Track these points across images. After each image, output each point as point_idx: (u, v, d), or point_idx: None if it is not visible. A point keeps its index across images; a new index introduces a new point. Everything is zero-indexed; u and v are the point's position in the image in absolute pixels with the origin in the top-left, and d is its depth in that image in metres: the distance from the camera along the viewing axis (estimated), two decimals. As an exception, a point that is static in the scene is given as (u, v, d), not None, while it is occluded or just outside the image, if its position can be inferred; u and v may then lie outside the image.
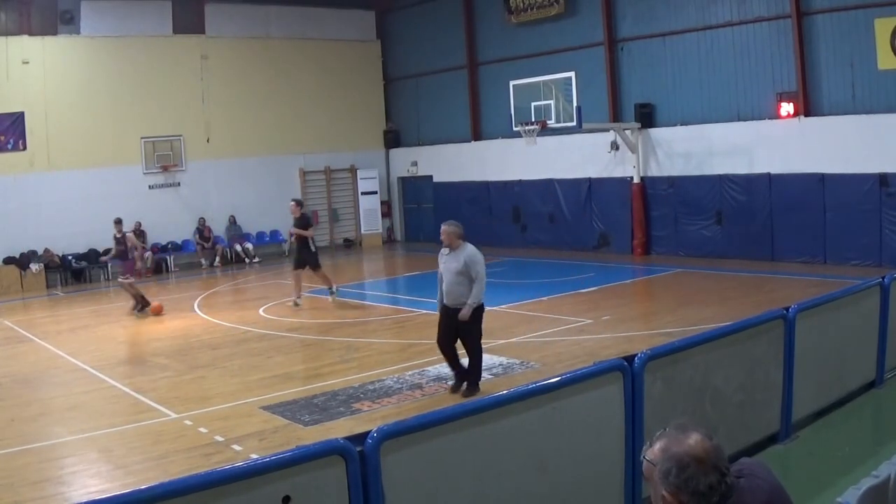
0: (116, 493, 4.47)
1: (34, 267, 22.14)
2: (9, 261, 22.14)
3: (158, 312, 16.60)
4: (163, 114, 24.40)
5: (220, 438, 8.61)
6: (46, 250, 22.48)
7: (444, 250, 9.49)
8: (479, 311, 9.41)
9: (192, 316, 16.65)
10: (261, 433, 8.69)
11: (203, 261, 24.86)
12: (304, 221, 16.61)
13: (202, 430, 8.97)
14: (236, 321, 15.59)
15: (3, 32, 22.28)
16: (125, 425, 9.38)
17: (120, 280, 17.45)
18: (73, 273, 22.95)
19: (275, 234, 26.00)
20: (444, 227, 9.53)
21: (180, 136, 24.86)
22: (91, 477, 7.87)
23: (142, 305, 16.78)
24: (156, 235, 24.36)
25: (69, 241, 22.80)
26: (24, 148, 22.55)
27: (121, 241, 16.98)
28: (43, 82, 22.73)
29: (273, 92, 26.43)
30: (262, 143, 26.18)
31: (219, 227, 25.39)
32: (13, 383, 11.72)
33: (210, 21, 25.56)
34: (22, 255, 22.30)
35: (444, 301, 9.46)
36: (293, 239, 17.23)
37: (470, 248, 9.35)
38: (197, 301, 18.46)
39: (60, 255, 22.78)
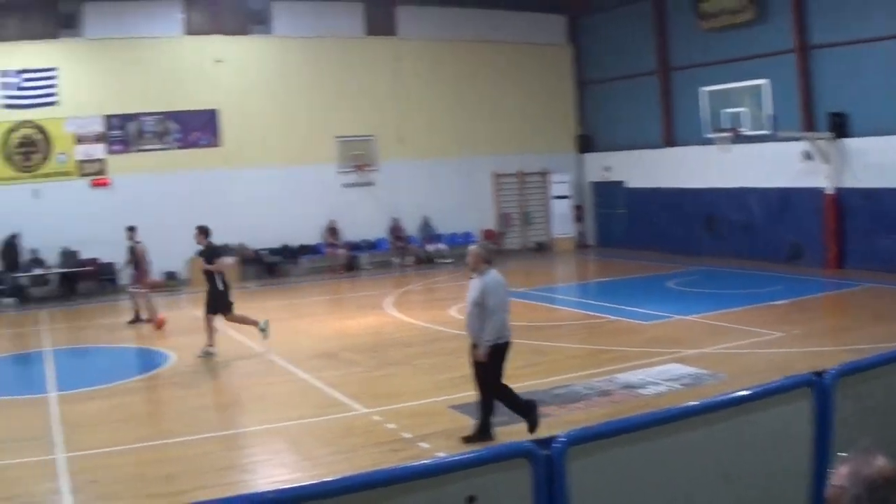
0: (302, 483, 4.57)
1: (228, 260, 23.35)
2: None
3: (160, 327, 16.40)
4: (356, 114, 25.23)
5: (407, 435, 8.76)
6: (241, 244, 23.64)
7: (472, 275, 8.59)
8: (497, 351, 8.28)
9: (384, 314, 17.06)
10: (448, 432, 8.75)
11: (395, 260, 25.40)
12: (210, 253, 14.05)
13: (390, 426, 9.13)
14: (428, 320, 15.88)
15: (197, 32, 23.76)
16: (314, 418, 9.70)
17: (130, 290, 17.74)
18: (266, 267, 23.98)
19: (467, 235, 26.27)
20: (469, 249, 8.74)
21: (373, 136, 25.56)
22: (276, 467, 8.18)
23: (135, 319, 17.10)
24: (350, 233, 25.12)
25: (263, 236, 23.95)
26: (218, 144, 23.88)
27: (132, 250, 17.40)
28: (236, 81, 24.02)
29: (464, 94, 26.82)
30: (453, 145, 26.58)
31: (411, 227, 25.90)
32: (205, 372, 12.36)
33: (402, 23, 26.16)
34: (217, 248, 23.53)
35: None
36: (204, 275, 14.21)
37: (490, 276, 8.34)
38: (389, 299, 18.89)
39: (255, 249, 23.83)
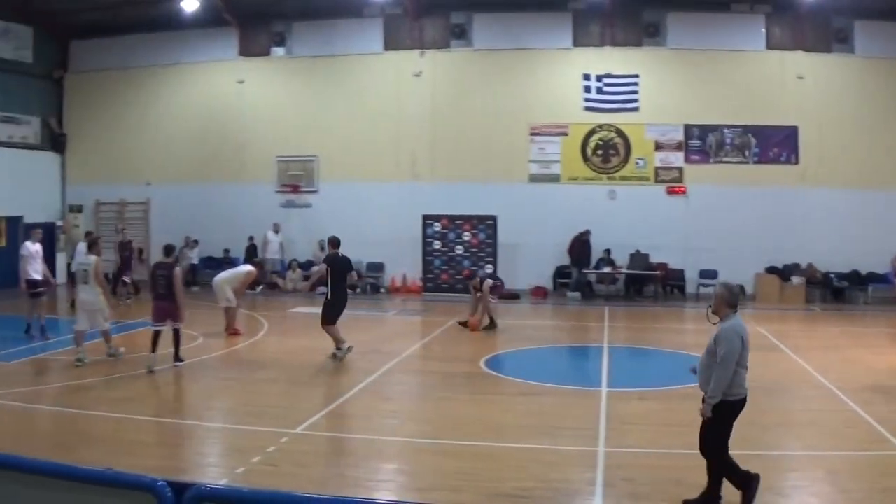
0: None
1: (795, 280, 23.13)
2: (771, 270, 23.71)
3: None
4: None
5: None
6: (809, 265, 23.43)
7: (714, 319, 7.75)
8: (721, 409, 7.42)
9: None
10: None
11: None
12: (331, 262, 15.16)
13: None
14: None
15: (779, 47, 23.99)
16: (855, 451, 9.39)
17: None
18: (833, 291, 23.58)
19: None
20: (715, 290, 7.94)
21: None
22: (811, 496, 8.03)
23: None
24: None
25: (833, 259, 23.49)
26: (797, 162, 23.92)
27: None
28: (816, 98, 23.84)
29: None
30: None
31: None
32: (758, 389, 12.11)
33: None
34: (785, 266, 23.61)
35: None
36: None
37: (730, 322, 7.47)
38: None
39: (823, 272, 23.45)
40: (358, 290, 23.91)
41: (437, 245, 24.58)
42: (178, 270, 14.04)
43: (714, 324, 7.64)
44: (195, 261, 25.76)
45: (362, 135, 25.56)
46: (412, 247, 24.51)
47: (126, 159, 28.01)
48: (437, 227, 24.64)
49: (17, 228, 27.07)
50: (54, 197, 28.88)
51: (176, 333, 13.77)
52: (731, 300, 7.59)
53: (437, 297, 23.78)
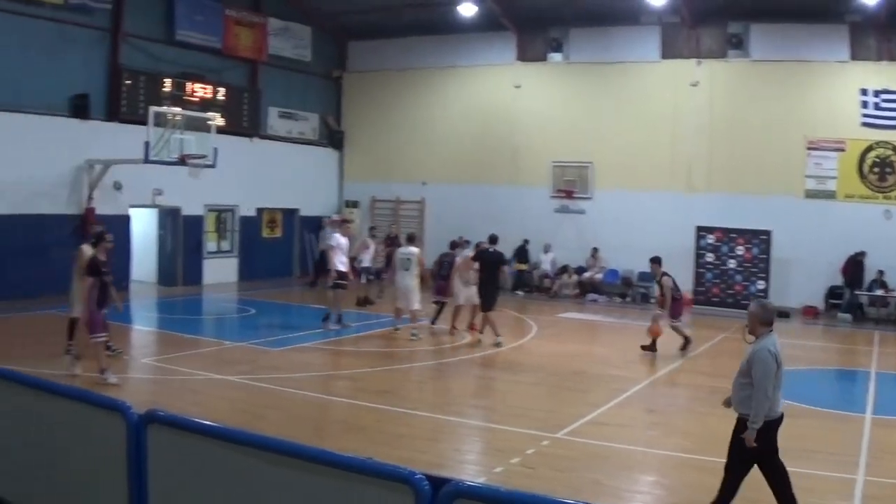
0: None
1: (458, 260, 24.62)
2: None
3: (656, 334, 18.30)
4: None
5: None
6: None
7: (749, 338, 8.36)
8: (764, 433, 7.99)
9: None
10: None
11: None
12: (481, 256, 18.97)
13: None
14: None
15: None
16: None
17: (671, 324, 18.60)
18: None
19: None
20: (749, 309, 8.49)
21: None
22: None
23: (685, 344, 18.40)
24: None
25: None
26: None
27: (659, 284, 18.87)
28: None
29: None
30: None
31: None
32: None
33: None
34: None
35: None
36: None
37: (764, 342, 8.05)
38: None
39: None
40: (628, 299, 26.93)
41: (709, 257, 27.08)
42: (457, 259, 19.51)
43: (750, 343, 8.20)
44: (469, 261, 29.13)
45: (637, 143, 28.29)
46: (684, 258, 26.65)
47: (401, 158, 32.47)
48: (711, 239, 27.11)
49: (292, 221, 31.61)
50: (331, 192, 33.75)
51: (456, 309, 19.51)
52: (765, 318, 8.12)
53: (707, 311, 26.14)
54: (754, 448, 7.88)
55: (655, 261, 18.84)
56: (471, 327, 19.41)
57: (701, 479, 9.31)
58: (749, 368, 7.95)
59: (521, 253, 29.51)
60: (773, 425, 7.97)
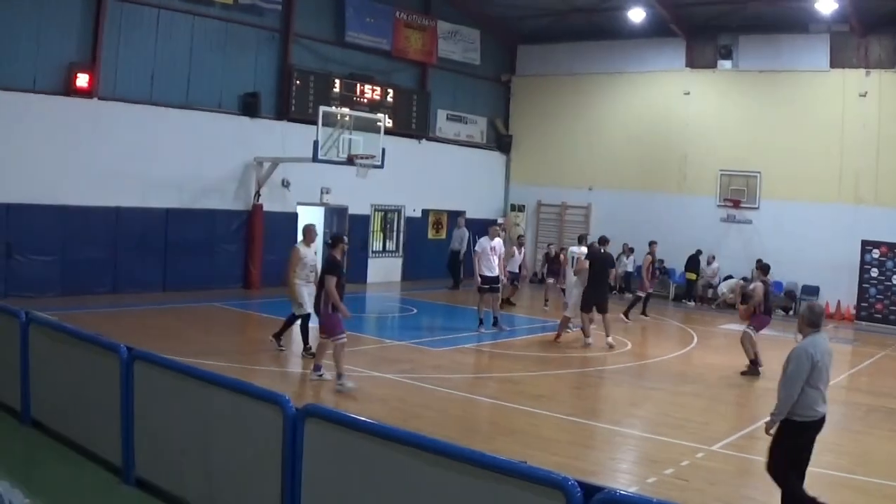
0: None
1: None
2: None
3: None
4: None
5: None
6: None
7: (798, 337, 8.96)
8: (788, 428, 8.49)
9: None
10: None
11: None
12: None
13: None
14: None
15: None
16: None
17: (746, 329, 18.01)
18: None
19: None
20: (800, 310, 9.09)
21: None
22: None
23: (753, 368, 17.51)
24: None
25: None
26: None
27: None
28: None
29: None
30: None
31: None
32: None
33: None
34: None
35: None
36: None
37: (804, 342, 8.61)
38: None
39: None
40: (791, 313, 27.63)
41: (874, 273, 27.43)
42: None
43: (797, 342, 8.81)
44: (630, 268, 30.06)
45: (805, 153, 28.85)
46: (849, 273, 27.38)
47: (568, 163, 34.14)
48: (876, 253, 27.47)
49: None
50: (497, 195, 35.70)
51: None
52: (811, 319, 8.70)
53: (869, 328, 26.50)
54: (789, 448, 8.46)
55: (760, 267, 19.03)
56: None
57: (854, 499, 9.74)
58: (786, 365, 8.55)
59: (692, 262, 30.30)
60: (803, 428, 8.42)
